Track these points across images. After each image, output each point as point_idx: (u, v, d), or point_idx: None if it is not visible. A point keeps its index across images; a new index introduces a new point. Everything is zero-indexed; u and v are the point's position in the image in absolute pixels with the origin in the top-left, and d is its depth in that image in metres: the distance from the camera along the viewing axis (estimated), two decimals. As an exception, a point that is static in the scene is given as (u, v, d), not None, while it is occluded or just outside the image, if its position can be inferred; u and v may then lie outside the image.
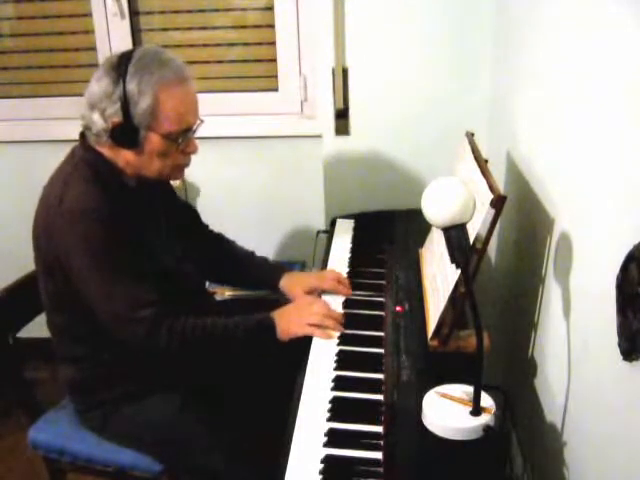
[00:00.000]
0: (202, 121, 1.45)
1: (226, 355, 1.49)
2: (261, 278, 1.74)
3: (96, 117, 1.36)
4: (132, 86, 1.33)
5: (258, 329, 1.45)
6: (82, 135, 1.44)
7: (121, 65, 1.35)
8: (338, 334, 1.45)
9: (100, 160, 1.41)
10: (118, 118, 1.35)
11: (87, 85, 1.40)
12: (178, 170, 1.48)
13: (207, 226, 1.80)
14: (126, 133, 1.36)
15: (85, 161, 1.40)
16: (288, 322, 1.45)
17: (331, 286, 1.64)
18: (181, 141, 1.40)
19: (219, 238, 1.79)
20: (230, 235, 1.83)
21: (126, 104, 1.34)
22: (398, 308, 1.54)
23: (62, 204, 1.34)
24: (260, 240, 2.05)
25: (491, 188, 1.26)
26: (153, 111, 1.35)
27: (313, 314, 1.46)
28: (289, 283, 1.69)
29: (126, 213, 1.39)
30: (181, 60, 1.41)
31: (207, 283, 1.79)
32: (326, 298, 1.61)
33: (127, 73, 1.33)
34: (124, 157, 1.41)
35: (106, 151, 1.41)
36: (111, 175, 1.41)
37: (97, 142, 1.40)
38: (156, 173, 1.43)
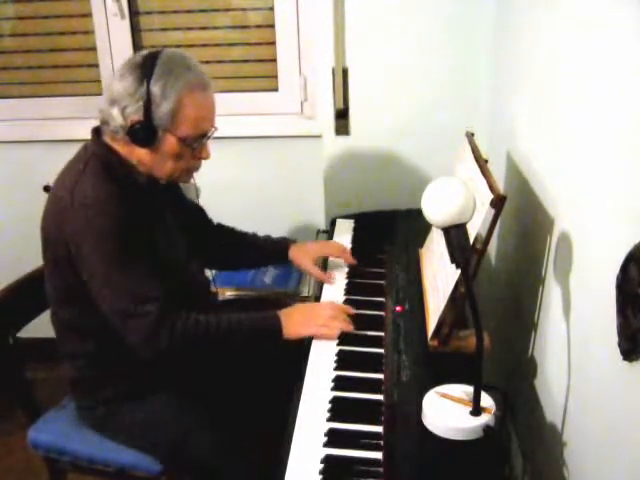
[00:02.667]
0: (216, 128, 1.46)
1: (228, 353, 1.48)
2: (270, 252, 1.81)
3: (115, 113, 1.37)
4: (156, 88, 1.35)
5: (263, 328, 1.45)
6: (95, 131, 1.45)
7: (146, 66, 1.36)
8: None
9: (113, 156, 1.42)
10: (138, 117, 1.36)
11: (106, 82, 1.41)
12: (187, 173, 1.50)
13: (210, 220, 1.83)
14: (144, 132, 1.37)
15: (97, 156, 1.41)
16: (295, 323, 1.45)
17: (336, 252, 1.76)
18: (196, 146, 1.43)
19: (221, 226, 1.84)
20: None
21: (148, 104, 1.35)
22: (398, 308, 1.54)
23: (73, 196, 1.35)
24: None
25: (491, 188, 1.26)
26: (174, 114, 1.37)
27: (320, 316, 1.46)
28: (297, 254, 1.77)
29: (136, 209, 1.39)
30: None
31: (211, 285, 1.80)
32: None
33: (153, 74, 1.35)
34: (138, 155, 1.42)
35: (120, 147, 1.42)
36: (122, 171, 1.42)
37: (112, 138, 1.42)
38: (167, 174, 1.45)
